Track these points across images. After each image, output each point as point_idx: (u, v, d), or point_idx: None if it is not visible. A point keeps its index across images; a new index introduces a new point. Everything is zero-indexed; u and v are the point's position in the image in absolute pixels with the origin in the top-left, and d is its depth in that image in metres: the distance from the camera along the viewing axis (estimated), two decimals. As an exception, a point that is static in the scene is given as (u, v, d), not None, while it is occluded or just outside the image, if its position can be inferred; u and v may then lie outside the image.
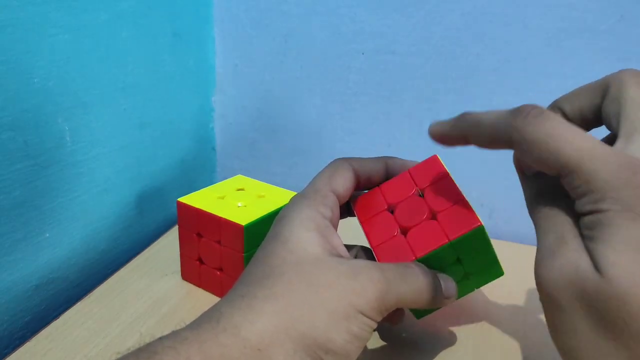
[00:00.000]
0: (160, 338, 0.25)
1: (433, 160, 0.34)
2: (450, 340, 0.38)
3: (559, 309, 0.24)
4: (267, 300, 0.27)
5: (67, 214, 0.44)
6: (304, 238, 0.29)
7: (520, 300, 0.43)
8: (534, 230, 0.28)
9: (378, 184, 0.35)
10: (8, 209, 0.39)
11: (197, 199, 0.42)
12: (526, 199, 0.28)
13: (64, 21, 0.40)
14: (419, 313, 0.35)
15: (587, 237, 0.23)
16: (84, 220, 0.46)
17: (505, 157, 0.29)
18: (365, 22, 0.55)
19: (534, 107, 0.25)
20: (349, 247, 0.34)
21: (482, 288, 0.44)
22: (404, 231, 0.32)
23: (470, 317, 0.41)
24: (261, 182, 0.46)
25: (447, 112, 0.55)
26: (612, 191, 0.23)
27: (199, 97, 0.61)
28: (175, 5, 0.53)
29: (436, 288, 0.31)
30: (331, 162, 0.35)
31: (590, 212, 0.23)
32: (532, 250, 0.26)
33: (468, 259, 0.32)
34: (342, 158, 0.35)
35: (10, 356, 0.36)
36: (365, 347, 0.37)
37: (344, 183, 0.33)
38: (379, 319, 0.29)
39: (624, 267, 0.22)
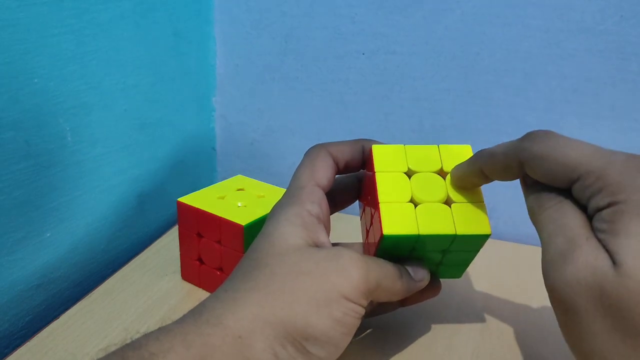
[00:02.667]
0: (146, 333, 0.26)
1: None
2: (449, 340, 0.38)
3: (575, 314, 0.23)
4: (250, 291, 0.28)
5: (68, 214, 0.44)
6: (287, 232, 0.30)
7: (520, 300, 0.43)
8: (534, 230, 0.28)
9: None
10: (9, 209, 0.39)
11: (197, 199, 0.42)
12: (529, 208, 0.28)
13: (65, 21, 0.40)
14: None
15: (605, 232, 0.23)
16: (84, 220, 0.46)
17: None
18: (365, 23, 0.55)
19: (540, 130, 0.27)
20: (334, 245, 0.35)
21: (481, 288, 0.44)
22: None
23: (470, 317, 0.41)
24: (261, 182, 0.46)
25: (447, 112, 0.55)
26: (626, 182, 0.23)
27: (200, 97, 0.61)
28: (176, 6, 0.53)
29: (404, 274, 0.32)
30: (309, 151, 0.35)
31: (608, 205, 0.24)
32: (532, 250, 0.26)
33: (452, 253, 0.33)
34: (319, 145, 0.35)
35: (11, 356, 0.36)
36: (362, 346, 0.37)
37: (325, 174, 0.33)
38: (364, 303, 0.29)
39: None
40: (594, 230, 0.24)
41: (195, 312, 0.27)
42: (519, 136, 0.29)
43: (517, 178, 0.29)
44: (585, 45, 0.50)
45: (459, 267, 0.35)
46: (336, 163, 0.34)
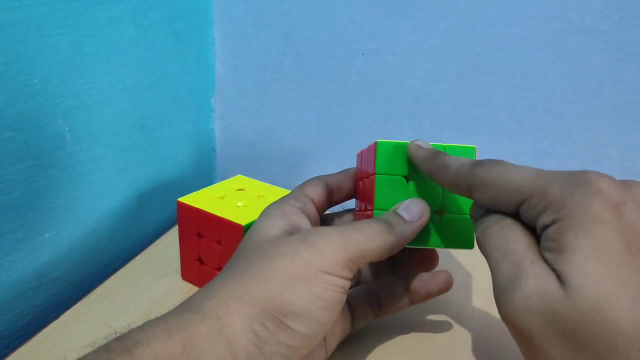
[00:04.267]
0: (132, 328, 0.27)
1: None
2: (449, 340, 0.38)
3: (532, 341, 0.23)
4: (226, 279, 0.29)
5: (68, 214, 0.44)
6: (265, 224, 0.31)
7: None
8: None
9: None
10: (8, 209, 0.39)
11: (197, 199, 0.42)
12: (476, 239, 0.28)
13: (64, 22, 0.40)
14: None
15: (552, 250, 0.23)
16: (84, 220, 0.46)
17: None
18: (365, 23, 0.55)
19: (490, 159, 0.28)
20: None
21: (481, 288, 0.44)
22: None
23: (470, 317, 0.41)
24: (261, 182, 0.46)
25: (447, 112, 0.55)
26: (568, 197, 0.23)
27: (199, 98, 0.61)
28: (175, 6, 0.53)
29: (395, 223, 0.31)
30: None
31: (553, 222, 0.24)
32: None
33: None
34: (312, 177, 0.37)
35: (11, 356, 0.36)
36: (361, 346, 0.37)
37: (315, 189, 0.35)
38: (347, 274, 0.29)
39: (590, 273, 0.22)
40: (542, 249, 0.24)
41: (179, 305, 0.28)
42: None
43: (462, 195, 0.30)
44: (585, 45, 0.50)
45: (464, 222, 0.34)
46: (329, 186, 0.36)
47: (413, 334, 0.39)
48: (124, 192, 0.50)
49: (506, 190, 0.26)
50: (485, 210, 0.28)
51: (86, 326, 0.38)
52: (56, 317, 0.40)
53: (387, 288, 0.36)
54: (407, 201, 0.32)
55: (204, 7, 0.59)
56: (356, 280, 0.38)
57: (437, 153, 0.31)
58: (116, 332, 0.26)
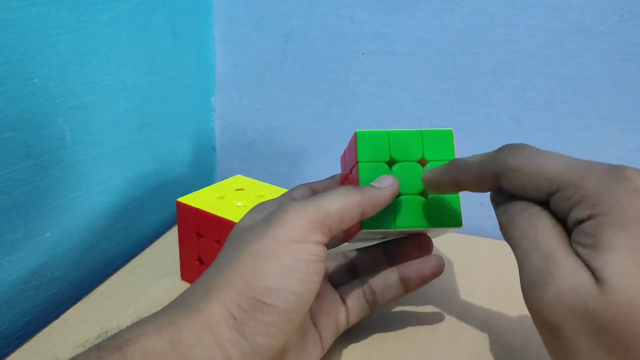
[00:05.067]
0: (123, 328, 0.27)
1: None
2: (449, 340, 0.38)
3: (561, 336, 0.23)
4: (210, 275, 0.29)
5: (68, 214, 0.44)
6: (244, 221, 0.32)
7: (520, 300, 0.43)
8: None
9: None
10: (8, 209, 0.39)
11: (196, 199, 0.42)
12: (501, 224, 0.28)
13: (65, 22, 0.40)
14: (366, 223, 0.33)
15: (588, 246, 0.23)
16: (84, 220, 0.46)
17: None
18: (365, 23, 0.55)
19: (516, 143, 0.27)
20: None
21: (481, 288, 0.44)
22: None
23: (470, 317, 0.41)
24: (261, 182, 0.46)
25: (447, 112, 0.55)
26: (606, 192, 0.23)
27: (199, 97, 0.61)
28: (175, 6, 0.53)
29: (362, 188, 0.31)
30: None
31: (589, 217, 0.23)
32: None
33: (432, 164, 0.34)
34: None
35: (11, 356, 0.36)
36: (361, 346, 0.37)
37: (300, 193, 0.36)
38: (318, 237, 0.29)
39: (628, 273, 0.21)
40: (573, 243, 0.24)
41: (168, 304, 0.29)
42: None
43: (489, 190, 0.29)
44: (585, 45, 0.50)
45: (450, 202, 0.34)
46: (313, 191, 0.36)
47: (412, 330, 0.39)
48: (124, 191, 0.50)
49: (538, 178, 0.25)
50: (508, 195, 0.27)
51: (86, 326, 0.39)
52: (56, 316, 0.40)
53: (380, 278, 0.36)
54: (379, 177, 0.33)
55: (204, 7, 0.59)
56: (351, 276, 0.38)
57: (452, 161, 0.31)
58: (107, 332, 0.27)
